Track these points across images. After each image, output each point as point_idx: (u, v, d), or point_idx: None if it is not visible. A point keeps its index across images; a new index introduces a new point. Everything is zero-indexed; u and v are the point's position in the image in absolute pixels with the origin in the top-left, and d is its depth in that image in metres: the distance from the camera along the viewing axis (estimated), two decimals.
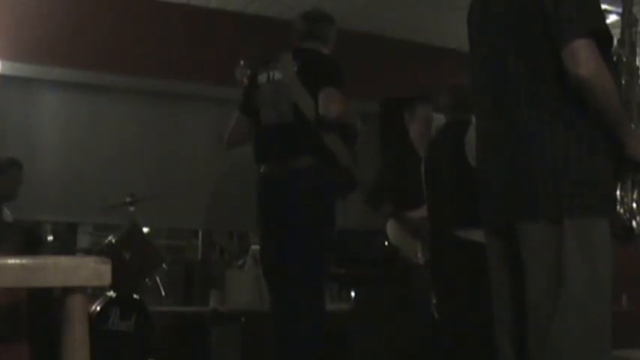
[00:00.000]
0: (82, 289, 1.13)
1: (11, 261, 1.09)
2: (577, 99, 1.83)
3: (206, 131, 5.26)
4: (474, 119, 2.26)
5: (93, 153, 5.04)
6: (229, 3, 5.29)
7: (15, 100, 4.90)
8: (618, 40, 2.00)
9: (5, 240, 3.69)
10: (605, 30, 1.86)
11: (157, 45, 5.10)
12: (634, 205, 1.94)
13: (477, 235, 2.84)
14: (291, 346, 2.84)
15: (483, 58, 2.06)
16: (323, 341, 2.85)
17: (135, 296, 4.02)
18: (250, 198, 3.14)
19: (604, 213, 1.87)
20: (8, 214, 4.23)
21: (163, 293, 4.67)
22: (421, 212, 3.69)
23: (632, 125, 1.94)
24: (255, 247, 4.82)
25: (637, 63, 2.03)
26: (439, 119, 3.85)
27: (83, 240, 6.14)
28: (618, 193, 1.94)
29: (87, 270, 1.13)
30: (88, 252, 5.22)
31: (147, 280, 4.29)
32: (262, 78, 3.05)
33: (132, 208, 4.33)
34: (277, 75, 2.98)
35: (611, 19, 2.24)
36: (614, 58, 1.98)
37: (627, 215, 1.93)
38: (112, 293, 3.96)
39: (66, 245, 5.85)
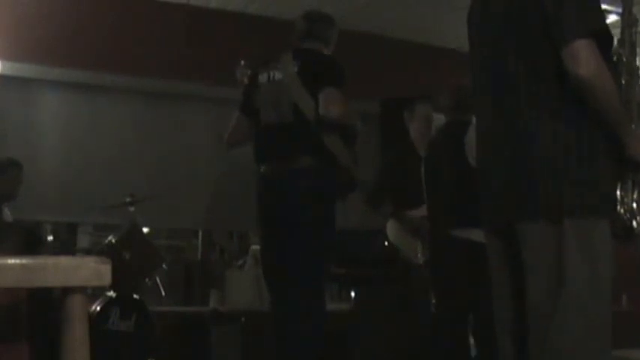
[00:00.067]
0: (82, 289, 1.13)
1: (11, 261, 1.09)
2: (577, 99, 1.82)
3: (206, 131, 5.27)
4: (474, 119, 2.26)
5: (93, 153, 5.04)
6: (229, 3, 5.29)
7: (15, 100, 4.90)
8: (618, 40, 2.00)
9: (5, 240, 3.69)
10: (606, 30, 1.85)
11: (156, 45, 5.10)
12: (634, 205, 1.94)
13: (477, 235, 2.84)
14: (291, 346, 2.84)
15: (483, 58, 2.06)
16: (323, 341, 2.85)
17: (135, 296, 4.02)
18: (250, 198, 3.14)
19: (604, 213, 1.87)
20: (8, 214, 4.23)
21: (163, 293, 4.67)
22: (421, 212, 3.69)
23: (633, 125, 1.94)
24: (255, 247, 4.82)
25: (637, 63, 2.03)
26: (439, 119, 3.85)
27: (83, 240, 6.14)
28: (618, 193, 1.94)
29: (87, 270, 1.13)
30: (88, 252, 5.22)
31: (147, 280, 4.29)
32: (262, 78, 3.05)
33: (132, 208, 4.33)
34: (277, 75, 2.98)
35: (611, 19, 2.25)
36: (615, 58, 1.98)
37: (627, 215, 1.93)
38: (112, 293, 3.96)
39: (66, 245, 5.86)
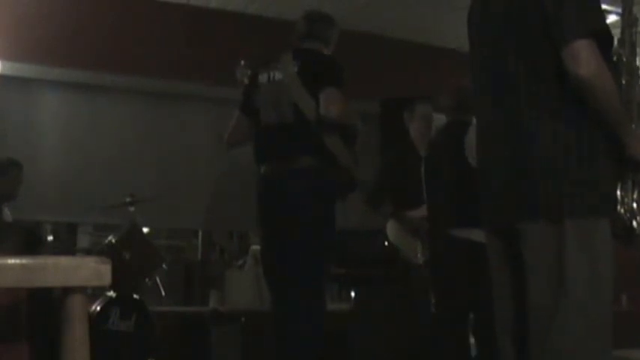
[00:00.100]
0: (82, 289, 1.13)
1: (11, 261, 1.09)
2: (577, 99, 1.82)
3: (206, 131, 5.27)
4: (474, 120, 2.26)
5: (93, 153, 5.04)
6: (229, 3, 5.29)
7: (15, 100, 4.90)
8: (618, 40, 2.00)
9: (5, 240, 3.69)
10: (606, 30, 1.85)
11: (157, 45, 5.10)
12: (634, 205, 1.94)
13: (477, 235, 2.85)
14: (291, 346, 2.84)
15: (483, 58, 2.06)
16: (323, 341, 2.85)
17: (135, 296, 4.02)
18: (250, 198, 3.14)
19: (604, 213, 1.87)
20: (8, 214, 4.23)
21: (163, 293, 4.67)
22: (421, 212, 3.69)
23: (633, 125, 1.94)
24: (255, 247, 4.82)
25: (637, 63, 2.03)
26: (439, 119, 3.85)
27: (83, 240, 6.14)
28: (619, 193, 1.94)
29: (87, 270, 1.13)
30: (88, 252, 5.22)
31: (147, 280, 4.29)
32: (263, 78, 3.05)
33: (132, 208, 4.33)
34: (278, 75, 2.98)
35: (611, 19, 2.24)
36: (615, 58, 1.98)
37: (628, 215, 1.93)
38: (112, 293, 3.96)
39: (66, 245, 5.86)
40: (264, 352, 3.54)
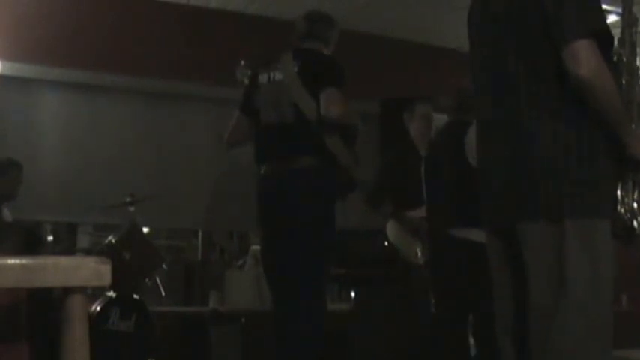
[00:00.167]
0: (82, 289, 1.13)
1: (11, 261, 1.09)
2: (577, 99, 1.82)
3: (206, 131, 5.27)
4: (475, 120, 2.26)
5: (93, 153, 5.04)
6: (229, 3, 5.29)
7: (15, 100, 4.90)
8: (618, 40, 2.00)
9: (5, 240, 3.69)
10: (606, 30, 1.85)
11: (157, 45, 5.10)
12: (635, 205, 1.94)
13: (476, 235, 2.85)
14: (291, 346, 2.84)
15: (483, 58, 2.06)
16: (323, 341, 2.85)
17: (135, 296, 4.02)
18: (250, 198, 3.14)
19: (605, 213, 1.87)
20: (8, 215, 4.23)
21: (163, 293, 4.67)
22: (421, 212, 3.69)
23: (633, 125, 1.94)
24: (255, 247, 4.82)
25: (637, 63, 2.03)
26: (440, 119, 3.85)
27: (83, 240, 6.13)
28: (619, 193, 1.94)
29: (87, 270, 1.13)
30: (88, 252, 5.21)
31: (147, 280, 4.29)
32: (263, 78, 3.05)
33: (132, 208, 4.32)
34: (278, 75, 2.98)
35: (611, 19, 2.24)
36: (615, 58, 1.98)
37: (628, 215, 1.93)
38: (112, 293, 3.96)
39: (66, 245, 5.85)
40: (264, 352, 3.54)
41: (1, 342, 1.38)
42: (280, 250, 2.91)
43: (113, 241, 4.13)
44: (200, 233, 6.04)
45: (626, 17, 2.05)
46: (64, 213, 5.13)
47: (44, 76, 4.92)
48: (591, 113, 1.83)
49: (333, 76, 2.88)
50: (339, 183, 2.96)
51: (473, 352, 3.43)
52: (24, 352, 1.42)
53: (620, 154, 1.88)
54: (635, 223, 1.94)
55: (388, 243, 4.34)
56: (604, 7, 1.90)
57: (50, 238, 5.81)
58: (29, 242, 3.89)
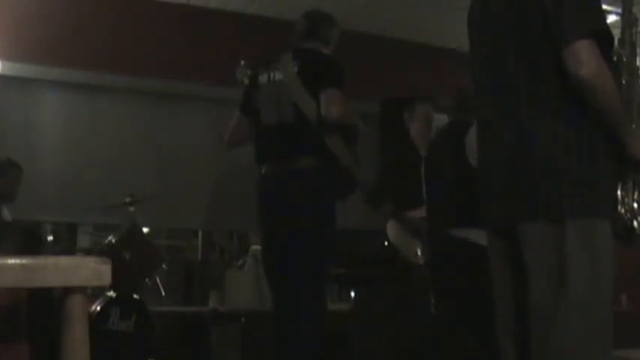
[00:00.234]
0: (82, 289, 1.13)
1: (11, 261, 1.09)
2: (577, 99, 1.82)
3: (206, 131, 5.27)
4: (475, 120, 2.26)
5: (93, 153, 5.04)
6: (229, 3, 5.29)
7: (15, 100, 4.90)
8: (618, 40, 2.00)
9: (5, 240, 3.69)
10: (606, 30, 1.85)
11: (157, 45, 5.10)
12: (635, 205, 1.94)
13: (475, 235, 2.85)
14: (291, 346, 2.84)
15: (483, 58, 2.06)
16: (323, 341, 2.85)
17: (135, 296, 4.02)
18: (250, 198, 3.14)
19: (605, 213, 1.87)
20: (7, 215, 4.23)
21: (163, 293, 4.67)
22: (421, 212, 3.69)
23: (633, 125, 1.94)
24: (255, 247, 4.82)
25: (637, 63, 2.03)
26: (440, 119, 3.85)
27: (83, 240, 6.13)
28: (619, 193, 1.94)
29: (87, 270, 1.13)
30: (88, 252, 5.21)
31: (147, 280, 4.29)
32: (263, 78, 3.05)
33: (132, 208, 4.32)
34: (278, 75, 2.98)
35: (611, 19, 2.24)
36: (615, 58, 1.98)
37: (628, 215, 1.93)
38: (112, 293, 3.96)
39: (66, 245, 5.85)
40: (264, 352, 3.54)
41: (1, 342, 1.38)
42: (280, 250, 2.91)
43: (113, 241, 4.13)
44: (200, 233, 6.04)
45: (626, 17, 2.05)
46: (64, 213, 5.13)
47: (44, 76, 4.92)
48: (591, 113, 1.83)
49: (333, 77, 2.88)
50: (339, 183, 2.96)
51: (473, 352, 3.43)
52: (24, 352, 1.42)
53: (620, 154, 1.88)
54: (635, 223, 1.94)
55: (388, 243, 4.34)
56: (604, 7, 1.90)
57: (50, 238, 5.81)
58: (29, 242, 3.88)
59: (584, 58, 1.77)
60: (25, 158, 4.43)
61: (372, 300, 4.34)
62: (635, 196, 1.94)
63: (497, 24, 1.98)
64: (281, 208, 2.89)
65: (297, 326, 2.83)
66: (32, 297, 1.45)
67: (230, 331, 4.27)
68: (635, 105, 1.99)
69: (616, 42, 1.97)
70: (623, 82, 1.98)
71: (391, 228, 4.20)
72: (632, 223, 1.94)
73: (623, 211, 1.93)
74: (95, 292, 4.04)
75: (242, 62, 3.30)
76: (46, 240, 5.58)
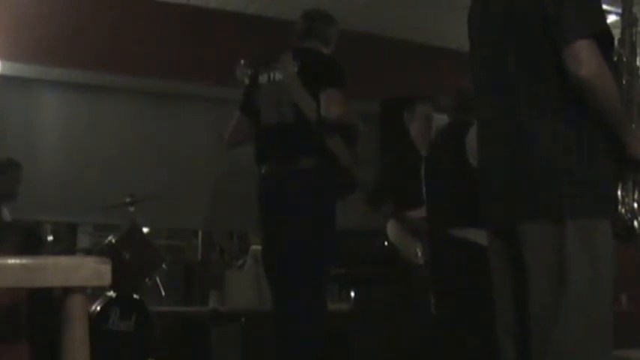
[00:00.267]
0: (82, 289, 1.13)
1: (11, 261, 1.08)
2: (577, 99, 1.82)
3: (206, 131, 5.27)
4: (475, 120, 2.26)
5: (93, 153, 5.04)
6: (229, 3, 5.29)
7: (15, 100, 4.90)
8: (618, 40, 2.00)
9: (5, 240, 3.69)
10: (606, 30, 1.85)
11: (157, 45, 5.10)
12: (635, 205, 1.94)
13: (475, 235, 2.85)
14: (291, 346, 2.84)
15: (483, 59, 2.06)
16: (323, 341, 2.85)
17: (135, 296, 4.02)
18: (250, 198, 3.14)
19: (605, 213, 1.87)
20: (7, 215, 4.23)
21: (163, 293, 4.67)
22: (421, 212, 3.68)
23: (633, 125, 1.94)
24: (255, 247, 4.82)
25: (637, 63, 2.03)
26: (440, 119, 3.85)
27: (83, 240, 6.14)
28: (619, 193, 1.93)
29: (87, 270, 1.13)
30: (88, 252, 5.22)
31: (147, 280, 4.29)
32: (263, 78, 3.05)
33: (132, 208, 4.32)
34: (278, 75, 2.98)
35: (611, 19, 2.24)
36: (615, 58, 1.98)
37: (629, 215, 1.93)
38: (112, 293, 3.96)
39: (66, 245, 5.85)
40: (264, 352, 3.53)
41: (1, 342, 1.38)
42: (280, 250, 2.91)
43: (113, 241, 4.13)
44: (200, 233, 6.04)
45: (626, 17, 2.05)
46: (64, 213, 5.13)
47: (44, 76, 4.92)
48: (591, 113, 1.83)
49: (333, 77, 2.88)
50: (339, 183, 2.96)
51: (473, 352, 3.43)
52: (24, 352, 1.42)
53: (621, 154, 1.88)
54: (635, 223, 1.94)
55: (388, 243, 4.34)
56: (604, 7, 1.90)
57: (50, 238, 5.81)
58: (29, 242, 3.89)
59: (584, 58, 1.77)
60: (25, 158, 4.43)
61: (372, 300, 4.34)
62: (636, 196, 1.94)
63: (497, 24, 1.98)
64: (281, 208, 2.89)
65: (297, 326, 2.83)
66: (32, 297, 1.45)
67: (230, 331, 4.27)
68: (635, 105, 1.99)
69: (616, 42, 1.97)
70: (623, 82, 1.98)
71: (391, 228, 4.20)
72: (632, 223, 1.94)
73: (623, 211, 1.93)
74: (95, 292, 4.04)
75: (242, 61, 3.30)
76: (46, 240, 5.59)
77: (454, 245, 3.26)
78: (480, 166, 2.11)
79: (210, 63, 5.11)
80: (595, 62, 1.77)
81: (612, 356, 1.84)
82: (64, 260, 1.13)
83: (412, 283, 4.08)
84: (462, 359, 3.35)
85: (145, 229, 5.29)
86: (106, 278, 1.14)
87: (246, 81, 3.21)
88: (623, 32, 2.03)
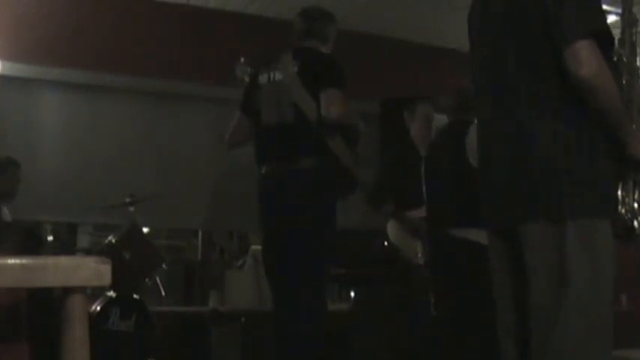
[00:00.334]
0: (82, 289, 1.13)
1: (11, 261, 1.08)
2: (577, 99, 1.82)
3: (206, 131, 5.27)
4: (475, 120, 2.26)
5: (93, 153, 5.04)
6: (229, 3, 5.29)
7: (15, 100, 4.90)
8: (618, 40, 2.00)
9: (5, 240, 3.69)
10: (607, 30, 1.85)
11: (157, 45, 5.10)
12: (635, 205, 1.94)
13: (475, 235, 2.84)
14: (291, 346, 2.84)
15: (484, 58, 2.06)
16: (323, 341, 2.85)
17: (135, 296, 4.02)
18: (250, 198, 3.14)
19: (605, 213, 1.87)
20: (7, 214, 4.23)
21: (163, 293, 4.67)
22: (421, 212, 3.68)
23: (633, 125, 1.94)
24: (255, 247, 4.82)
25: (637, 63, 2.03)
26: (440, 119, 3.85)
27: (83, 240, 6.13)
28: (619, 193, 1.93)
29: (87, 270, 1.13)
30: (88, 252, 5.22)
31: (147, 280, 4.29)
32: (263, 78, 3.04)
33: (132, 208, 4.32)
34: (278, 75, 2.98)
35: (611, 19, 2.24)
36: (615, 58, 1.98)
37: (629, 215, 1.93)
38: (112, 293, 3.96)
39: (66, 245, 5.85)
40: (264, 352, 3.54)
41: (1, 342, 1.38)
42: (280, 250, 2.91)
43: (113, 241, 4.13)
44: (200, 233, 6.03)
45: (626, 17, 2.05)
46: (64, 213, 5.12)
47: (44, 76, 4.92)
48: (591, 113, 1.83)
49: (333, 77, 2.88)
50: (339, 183, 2.96)
51: (473, 352, 3.43)
52: (24, 352, 1.42)
53: (621, 154, 1.88)
54: (635, 223, 1.94)
55: (388, 243, 4.34)
56: (604, 7, 1.90)
57: (50, 238, 5.81)
58: (29, 242, 3.88)
59: (584, 58, 1.77)
60: (25, 158, 4.43)
61: (372, 300, 4.34)
62: (636, 196, 1.94)
63: (497, 24, 1.98)
64: (281, 208, 2.89)
65: (297, 326, 2.83)
66: (32, 297, 1.45)
67: (230, 331, 4.27)
68: (635, 105, 1.99)
69: (616, 42, 1.97)
70: (623, 82, 1.98)
71: (391, 228, 4.19)
72: (632, 223, 1.94)
73: (623, 211, 1.93)
74: (95, 292, 4.04)
75: (242, 60, 3.30)
76: (46, 240, 5.58)
77: (454, 245, 3.26)
78: (480, 166, 2.11)
79: (210, 63, 5.11)
80: (595, 62, 1.77)
81: (612, 356, 1.84)
82: (64, 260, 1.13)
83: (412, 283, 4.07)
84: (461, 359, 3.35)
85: (145, 229, 5.29)
86: (106, 278, 1.14)
87: (246, 79, 3.21)
88: (623, 32, 2.03)
